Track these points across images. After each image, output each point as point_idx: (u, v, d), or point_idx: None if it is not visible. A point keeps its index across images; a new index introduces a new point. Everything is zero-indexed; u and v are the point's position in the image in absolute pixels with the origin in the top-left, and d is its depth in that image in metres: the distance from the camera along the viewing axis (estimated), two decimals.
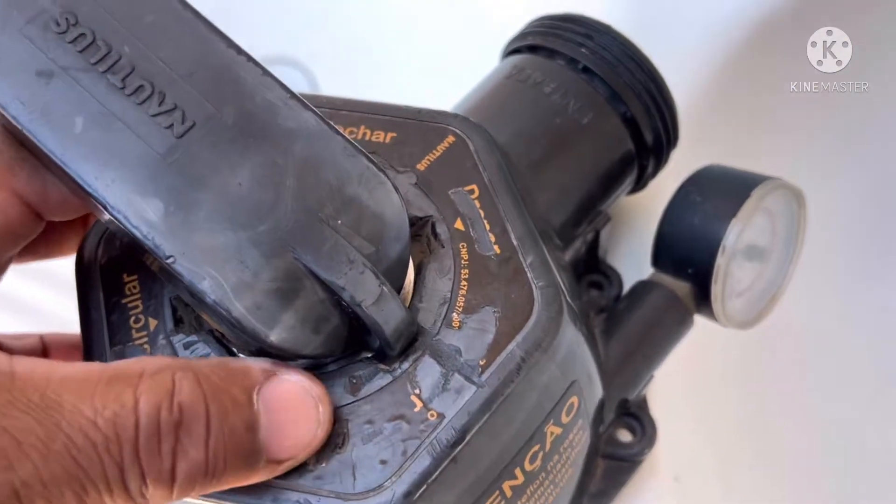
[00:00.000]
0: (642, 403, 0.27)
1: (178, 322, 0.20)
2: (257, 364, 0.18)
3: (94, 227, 0.21)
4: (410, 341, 0.19)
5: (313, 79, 0.41)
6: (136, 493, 0.15)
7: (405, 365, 0.19)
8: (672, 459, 0.28)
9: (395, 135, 0.22)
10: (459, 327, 0.19)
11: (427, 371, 0.19)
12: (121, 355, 0.20)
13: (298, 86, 0.40)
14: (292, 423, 0.17)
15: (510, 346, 0.19)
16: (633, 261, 0.31)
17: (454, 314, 0.19)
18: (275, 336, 0.17)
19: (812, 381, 0.32)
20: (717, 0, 0.38)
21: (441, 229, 0.21)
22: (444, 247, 0.20)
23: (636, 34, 0.28)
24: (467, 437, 0.18)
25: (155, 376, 0.16)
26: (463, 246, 0.20)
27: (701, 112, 0.36)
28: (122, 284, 0.20)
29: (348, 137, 0.18)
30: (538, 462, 0.20)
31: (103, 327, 0.20)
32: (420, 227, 0.21)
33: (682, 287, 0.27)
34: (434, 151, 0.22)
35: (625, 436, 0.27)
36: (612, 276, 0.29)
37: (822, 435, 0.32)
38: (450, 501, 0.18)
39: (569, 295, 0.22)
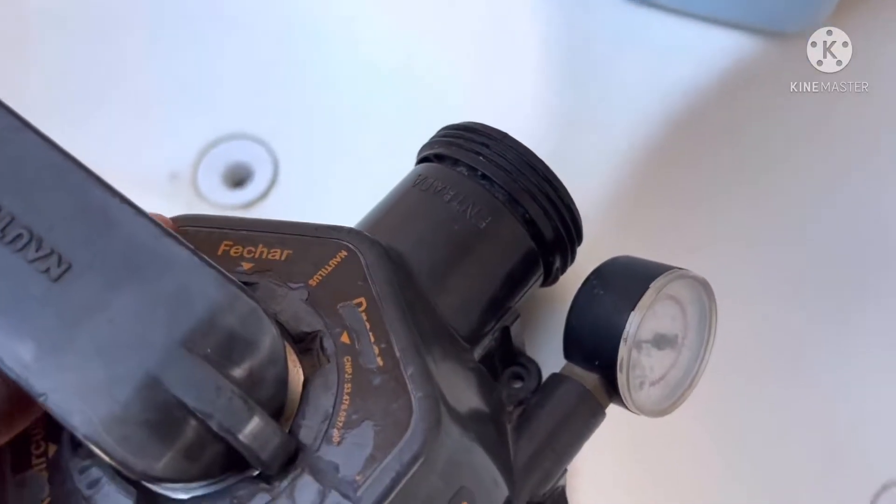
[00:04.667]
0: (560, 497, 0.27)
1: (76, 447, 0.21)
2: None
3: None
4: (291, 459, 0.20)
5: (274, 154, 0.43)
6: None
7: (284, 483, 0.19)
8: None
9: (290, 252, 0.24)
10: (339, 443, 0.20)
11: (305, 489, 0.19)
12: (21, 484, 0.20)
13: (261, 160, 0.43)
14: None
15: (386, 460, 0.20)
16: (552, 350, 0.31)
17: (334, 430, 0.20)
18: (147, 466, 0.18)
19: (740, 462, 0.32)
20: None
21: (328, 343, 0.22)
22: (329, 361, 0.21)
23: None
24: None
25: None
26: (348, 360, 0.21)
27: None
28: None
29: (220, 268, 0.19)
30: None
31: (6, 455, 0.21)
32: (309, 342, 0.22)
33: (591, 379, 0.27)
34: (326, 266, 0.23)
35: None
36: (530, 368, 0.30)
37: None
38: None
39: (467, 399, 0.23)
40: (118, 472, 0.20)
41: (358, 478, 0.19)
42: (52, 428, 0.21)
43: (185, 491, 0.19)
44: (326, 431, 0.20)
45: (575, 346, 0.28)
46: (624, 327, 0.26)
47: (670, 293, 0.28)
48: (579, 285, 0.30)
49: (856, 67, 0.33)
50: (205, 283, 0.19)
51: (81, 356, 0.18)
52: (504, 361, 0.30)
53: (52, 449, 0.21)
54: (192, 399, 0.18)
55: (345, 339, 0.22)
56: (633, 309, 0.26)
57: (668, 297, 0.28)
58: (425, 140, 0.30)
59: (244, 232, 0.24)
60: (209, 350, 0.19)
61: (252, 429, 0.18)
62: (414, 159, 0.31)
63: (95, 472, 0.20)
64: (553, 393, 0.27)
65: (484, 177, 0.27)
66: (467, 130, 0.28)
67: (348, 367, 0.21)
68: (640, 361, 0.28)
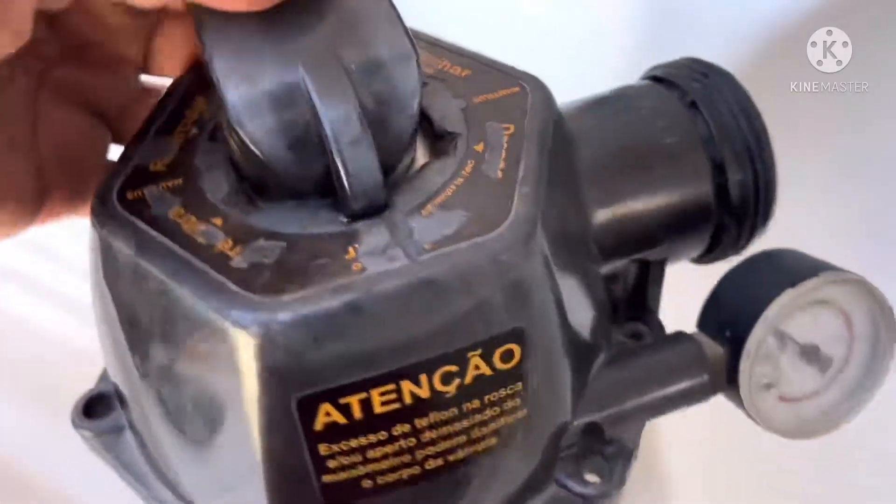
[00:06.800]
0: (625, 450, 0.24)
1: (212, 136, 0.22)
2: None
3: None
4: (375, 210, 0.19)
5: None
6: None
7: (358, 225, 0.19)
8: None
9: (470, 72, 0.24)
10: (427, 216, 0.19)
11: (374, 236, 0.19)
12: (157, 143, 0.22)
13: None
14: None
15: (461, 245, 0.19)
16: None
17: (429, 205, 0.20)
18: (252, 128, 0.19)
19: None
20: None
21: (461, 145, 0.21)
22: (453, 156, 0.21)
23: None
24: (376, 295, 0.18)
25: None
26: (471, 162, 0.21)
27: None
28: (194, 104, 0.23)
29: (398, 12, 0.20)
30: (452, 388, 0.19)
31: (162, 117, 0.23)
32: (448, 143, 0.22)
33: (715, 350, 0.24)
34: (495, 93, 0.23)
35: (591, 476, 0.24)
36: (653, 328, 0.27)
37: None
38: (340, 350, 0.18)
39: (571, 273, 0.22)
40: (233, 163, 0.21)
41: (427, 246, 0.19)
42: (207, 123, 0.23)
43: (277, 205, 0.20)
44: (422, 204, 0.20)
45: (712, 310, 0.25)
46: (771, 302, 0.23)
47: (844, 305, 0.24)
48: None
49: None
50: (379, 14, 0.20)
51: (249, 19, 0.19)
52: (629, 311, 0.27)
53: (192, 131, 0.23)
54: (317, 94, 0.19)
55: (478, 147, 0.21)
56: (789, 287, 0.23)
57: (839, 310, 0.24)
58: None
59: (436, 46, 0.25)
60: (354, 67, 0.19)
61: (355, 146, 0.19)
62: None
63: (216, 159, 0.21)
64: (669, 343, 0.25)
65: (693, 105, 0.25)
66: (692, 62, 0.27)
67: (469, 167, 0.21)
68: (777, 360, 0.24)
